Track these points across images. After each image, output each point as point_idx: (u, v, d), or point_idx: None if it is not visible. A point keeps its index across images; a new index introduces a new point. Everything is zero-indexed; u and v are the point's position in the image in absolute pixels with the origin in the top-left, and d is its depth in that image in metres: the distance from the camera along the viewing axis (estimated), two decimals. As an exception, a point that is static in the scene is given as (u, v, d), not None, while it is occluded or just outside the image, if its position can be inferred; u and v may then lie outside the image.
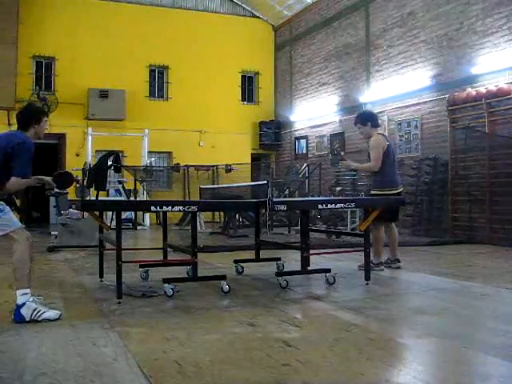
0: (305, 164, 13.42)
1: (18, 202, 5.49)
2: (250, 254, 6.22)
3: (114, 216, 6.37)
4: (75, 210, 8.79)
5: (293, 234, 10.44)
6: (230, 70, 16.65)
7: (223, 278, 4.75)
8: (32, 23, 14.32)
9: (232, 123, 16.35)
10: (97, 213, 5.19)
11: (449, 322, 3.75)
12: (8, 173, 3.72)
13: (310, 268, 5.27)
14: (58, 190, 10.03)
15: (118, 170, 5.75)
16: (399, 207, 6.29)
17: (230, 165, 15.04)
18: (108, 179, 6.22)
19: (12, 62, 13.75)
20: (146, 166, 14.19)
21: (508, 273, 5.91)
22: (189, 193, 14.67)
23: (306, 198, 9.49)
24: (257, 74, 17.46)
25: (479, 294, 4.71)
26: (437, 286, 5.19)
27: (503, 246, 8.26)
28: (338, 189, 11.99)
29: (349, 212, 10.54)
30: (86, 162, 12.54)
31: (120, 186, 12.60)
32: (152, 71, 16.17)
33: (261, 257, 5.86)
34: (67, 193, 10.27)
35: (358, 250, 5.41)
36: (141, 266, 5.37)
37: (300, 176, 13.25)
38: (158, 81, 16.33)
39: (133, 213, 12.63)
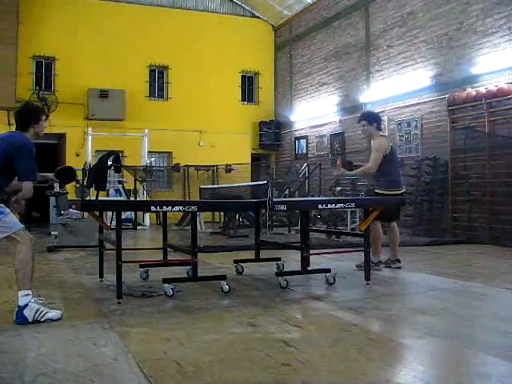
0: (305, 164, 13.43)
1: (15, 197, 5.49)
2: (250, 254, 6.22)
3: (113, 216, 6.38)
4: (75, 210, 8.79)
5: (293, 234, 10.44)
6: (230, 70, 16.64)
7: (223, 277, 4.75)
8: (32, 23, 14.32)
9: (232, 123, 16.35)
10: (97, 213, 5.20)
11: (449, 322, 3.75)
12: (10, 175, 3.71)
13: (310, 268, 5.26)
14: (58, 190, 10.05)
15: (117, 170, 5.74)
16: (400, 207, 6.29)
17: (230, 165, 15.04)
18: (108, 179, 6.21)
19: (12, 62, 13.74)
20: (146, 166, 14.19)
21: (508, 273, 5.92)
22: (189, 193, 14.68)
23: (306, 198, 9.49)
24: (257, 74, 17.45)
25: (479, 293, 4.71)
26: (437, 285, 5.19)
27: (503, 246, 8.27)
28: (338, 189, 11.98)
29: (349, 212, 10.53)
30: (85, 162, 12.54)
31: (120, 185, 12.60)
32: (152, 71, 16.17)
33: (261, 257, 5.86)
34: (67, 193, 10.27)
35: (358, 250, 5.41)
36: (141, 266, 5.37)
37: (300, 176, 13.26)
38: (158, 81, 16.32)
39: (133, 213, 12.63)
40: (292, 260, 6.25)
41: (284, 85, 16.98)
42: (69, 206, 9.27)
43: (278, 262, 5.86)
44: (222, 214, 12.71)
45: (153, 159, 15.97)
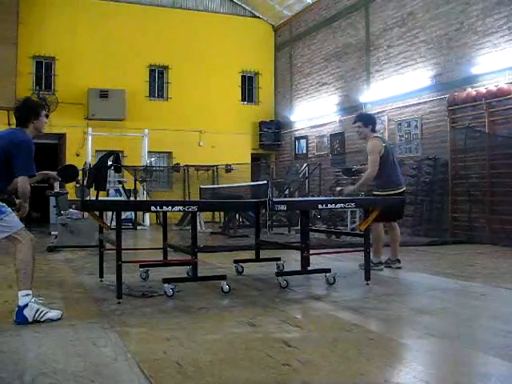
0: (305, 164, 13.43)
1: (17, 202, 5.48)
2: (250, 254, 6.22)
3: (114, 216, 6.38)
4: (75, 210, 8.79)
5: (293, 234, 10.44)
6: (230, 70, 16.65)
7: (223, 277, 4.75)
8: (32, 23, 14.32)
9: (232, 123, 16.35)
10: (97, 213, 5.20)
11: (449, 322, 3.75)
12: (11, 174, 3.70)
13: (310, 268, 5.27)
14: (58, 190, 10.05)
15: (118, 170, 5.75)
16: (403, 205, 6.28)
17: (230, 165, 15.05)
18: (108, 179, 6.21)
19: (12, 62, 13.75)
20: (146, 166, 14.20)
21: (508, 273, 5.92)
22: (189, 193, 14.68)
23: (306, 198, 9.49)
24: (257, 74, 17.46)
25: (479, 293, 4.71)
26: (437, 286, 5.19)
27: (503, 246, 8.27)
28: (338, 189, 11.95)
29: (349, 212, 10.54)
30: (85, 162, 12.53)
31: (120, 185, 12.61)
32: (152, 71, 16.17)
33: (261, 257, 5.86)
34: (67, 193, 10.27)
35: (358, 250, 5.41)
36: (141, 266, 5.37)
37: (300, 176, 13.25)
38: (157, 81, 16.33)
39: (133, 213, 12.63)
40: (292, 260, 6.25)
41: (284, 85, 16.98)
42: (69, 206, 9.27)
43: (278, 262, 5.86)
44: (222, 213, 12.71)
45: (153, 159, 15.98)
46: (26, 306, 3.61)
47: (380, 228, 6.01)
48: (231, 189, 12.11)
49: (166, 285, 4.53)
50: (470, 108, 9.52)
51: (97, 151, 13.62)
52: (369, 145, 6.00)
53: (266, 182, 10.39)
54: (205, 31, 16.11)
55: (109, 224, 6.93)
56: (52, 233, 9.75)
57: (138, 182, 13.37)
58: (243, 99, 17.27)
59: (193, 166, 15.05)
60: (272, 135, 16.96)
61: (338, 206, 5.36)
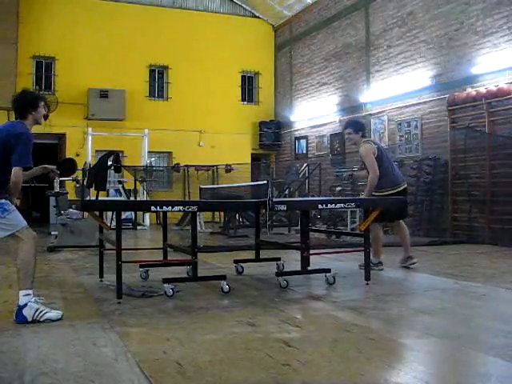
0: (305, 164, 13.43)
1: (17, 201, 5.48)
2: (250, 254, 6.21)
3: (113, 216, 6.37)
4: (75, 210, 8.79)
5: (293, 234, 10.43)
6: (230, 70, 16.65)
7: (223, 277, 4.75)
8: (32, 23, 14.32)
9: (232, 123, 16.35)
10: (97, 213, 5.20)
11: (449, 322, 3.75)
12: (10, 169, 3.69)
13: (310, 268, 5.26)
14: (58, 190, 10.05)
15: (118, 170, 5.75)
16: (406, 204, 6.27)
17: (229, 165, 15.05)
18: (108, 179, 6.21)
19: (12, 62, 13.74)
20: (146, 166, 14.19)
21: (508, 273, 5.92)
22: (189, 193, 14.68)
23: (306, 198, 9.49)
24: (257, 74, 17.46)
25: (479, 293, 4.71)
26: (437, 286, 5.19)
27: (503, 246, 8.26)
28: (338, 189, 11.96)
29: (349, 212, 10.53)
30: (86, 162, 12.54)
31: (120, 185, 12.60)
32: (152, 71, 16.17)
33: (261, 257, 5.86)
34: (67, 193, 10.28)
35: (358, 250, 5.41)
36: (141, 266, 5.37)
37: (300, 176, 13.26)
38: (157, 81, 16.33)
39: (133, 213, 12.63)
40: (292, 260, 6.25)
41: (284, 85, 16.98)
42: (69, 206, 9.27)
43: (278, 262, 5.86)
44: (222, 213, 12.71)
45: (153, 159, 15.98)
46: (26, 305, 3.61)
47: (378, 228, 6.03)
48: (231, 189, 12.11)
49: (165, 285, 4.53)
50: (470, 108, 9.52)
51: (97, 151, 13.62)
52: (362, 150, 6.02)
53: (265, 182, 10.39)
54: (205, 31, 16.11)
55: (109, 224, 6.92)
56: (52, 233, 9.75)
57: (138, 182, 13.37)
58: (243, 99, 17.27)
59: (193, 166, 15.05)
60: (272, 135, 16.95)
61: (338, 206, 5.36)
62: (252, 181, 13.53)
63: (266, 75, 17.45)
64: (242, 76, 17.23)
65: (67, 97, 14.41)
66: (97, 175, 5.13)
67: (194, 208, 4.73)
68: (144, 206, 6.27)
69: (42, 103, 3.95)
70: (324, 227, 10.77)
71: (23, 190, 7.44)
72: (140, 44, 15.36)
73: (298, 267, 5.15)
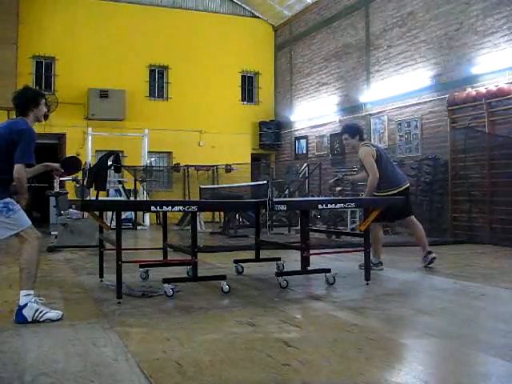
0: (305, 164, 13.43)
1: (24, 201, 5.49)
2: (250, 254, 6.21)
3: (113, 216, 6.37)
4: (75, 210, 8.79)
5: (293, 234, 10.43)
6: (230, 70, 16.65)
7: (223, 277, 4.75)
8: (32, 23, 14.32)
9: (232, 123, 16.35)
10: (97, 213, 5.20)
11: (449, 322, 3.75)
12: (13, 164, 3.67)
13: (309, 268, 5.26)
14: (58, 190, 10.05)
15: (118, 170, 5.75)
16: (409, 202, 6.26)
17: (230, 165, 15.04)
18: (108, 179, 6.21)
19: (12, 62, 13.74)
20: (146, 166, 14.19)
21: (508, 273, 5.91)
22: (189, 193, 14.68)
23: (306, 198, 9.49)
24: (257, 74, 17.46)
25: (479, 293, 4.71)
26: (437, 286, 5.20)
27: (503, 246, 8.26)
28: (338, 189, 11.95)
29: (349, 212, 10.54)
30: (86, 162, 12.53)
31: (120, 185, 12.60)
32: (152, 71, 16.17)
33: (261, 257, 5.86)
34: (67, 193, 10.28)
35: (358, 250, 5.41)
36: (141, 266, 5.37)
37: (300, 176, 13.25)
38: (157, 81, 16.33)
39: (133, 213, 12.63)
40: (292, 260, 6.25)
41: (284, 85, 16.98)
42: (69, 206, 9.27)
43: (278, 262, 5.86)
44: (222, 213, 12.71)
45: (153, 159, 15.98)
46: (26, 305, 3.61)
47: (378, 228, 6.03)
48: (231, 189, 12.11)
49: (165, 285, 4.53)
50: (470, 108, 9.52)
51: (97, 151, 13.62)
52: (360, 152, 6.03)
53: (265, 182, 10.40)
54: (205, 31, 16.12)
55: (109, 224, 6.92)
56: (52, 233, 9.75)
57: (138, 182, 13.37)
58: (243, 99, 17.27)
59: (193, 166, 15.05)
60: (272, 135, 16.95)
61: (338, 206, 5.36)
62: (252, 181, 13.53)
63: (266, 75, 17.44)
64: (242, 76, 17.23)
65: (67, 97, 14.41)
66: (97, 175, 5.13)
67: (194, 208, 4.74)
68: (144, 206, 6.27)
69: (43, 100, 3.95)
70: (324, 227, 10.77)
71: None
72: (140, 44, 15.36)
73: (298, 267, 5.15)
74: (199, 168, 15.15)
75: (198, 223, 6.18)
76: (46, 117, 4.05)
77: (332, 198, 7.43)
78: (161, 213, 6.41)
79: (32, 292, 3.68)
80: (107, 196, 11.71)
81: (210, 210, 12.41)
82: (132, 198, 12.47)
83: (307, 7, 15.58)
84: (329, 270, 5.07)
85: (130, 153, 14.38)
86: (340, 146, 13.85)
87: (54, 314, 3.70)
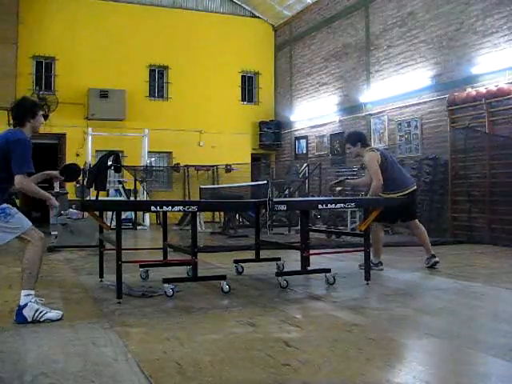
0: (305, 164, 13.42)
1: (17, 202, 5.49)
2: (250, 254, 6.21)
3: (113, 216, 6.38)
4: (75, 210, 8.79)
5: (293, 234, 10.43)
6: (230, 70, 16.64)
7: (223, 277, 4.75)
8: (32, 23, 14.31)
9: (232, 123, 16.35)
10: (97, 213, 5.20)
11: (449, 322, 3.75)
12: (11, 175, 3.69)
13: (310, 268, 5.26)
14: (58, 190, 10.05)
15: (118, 170, 5.75)
16: (413, 205, 6.26)
17: (230, 165, 15.04)
18: (108, 179, 6.22)
19: (12, 62, 13.75)
20: (146, 166, 14.19)
21: (508, 273, 5.91)
22: (189, 193, 14.68)
23: (306, 198, 9.49)
24: (257, 73, 17.45)
25: (479, 293, 4.71)
26: (437, 286, 5.20)
27: (503, 246, 8.26)
28: (338, 189, 11.95)
29: (349, 212, 10.54)
30: (86, 162, 12.54)
31: (120, 185, 12.61)
32: (152, 71, 16.17)
33: (261, 257, 5.86)
34: (67, 193, 10.28)
35: (358, 250, 5.41)
36: (141, 266, 5.37)
37: (300, 176, 13.25)
38: (158, 81, 16.33)
39: (133, 213, 12.63)
40: (292, 260, 6.25)
41: (284, 85, 16.98)
42: (69, 206, 9.27)
43: (278, 262, 5.86)
44: (222, 213, 12.71)
45: (153, 159, 15.98)
46: (26, 305, 3.62)
47: (379, 229, 6.03)
48: (231, 189, 12.11)
49: (165, 285, 4.53)
50: (470, 108, 9.52)
51: (97, 151, 13.62)
52: (365, 158, 6.02)
53: (265, 182, 10.40)
54: (205, 31, 16.11)
55: (109, 224, 6.92)
56: (52, 233, 9.74)
57: (138, 182, 13.37)
58: (243, 99, 17.27)
59: (193, 165, 15.04)
60: (272, 135, 16.95)
61: (338, 206, 5.36)
62: (252, 181, 13.53)
63: (266, 75, 17.44)
64: (241, 76, 17.23)
65: (67, 97, 14.41)
66: (97, 175, 5.14)
67: (194, 208, 4.73)
68: (144, 206, 6.28)
69: (41, 112, 3.96)
70: (324, 227, 10.77)
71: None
72: (140, 44, 15.36)
73: (298, 267, 5.15)
74: (199, 168, 15.14)
75: (197, 223, 6.18)
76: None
77: (332, 198, 7.44)
78: (161, 213, 6.41)
79: (33, 292, 3.69)
80: (107, 196, 11.72)
81: (210, 210, 12.40)
82: (132, 198, 12.46)
83: (307, 7, 15.58)
84: (329, 270, 5.07)
85: (130, 153, 14.39)
86: (340, 145, 13.86)
87: (53, 314, 3.70)
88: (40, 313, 3.63)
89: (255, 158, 17.07)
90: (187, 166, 14.99)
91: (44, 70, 15.00)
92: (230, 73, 16.72)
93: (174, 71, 16.12)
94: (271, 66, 17.53)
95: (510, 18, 9.11)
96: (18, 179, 3.63)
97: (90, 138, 13.62)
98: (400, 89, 11.64)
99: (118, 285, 4.38)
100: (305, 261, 5.06)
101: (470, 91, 9.52)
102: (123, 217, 9.94)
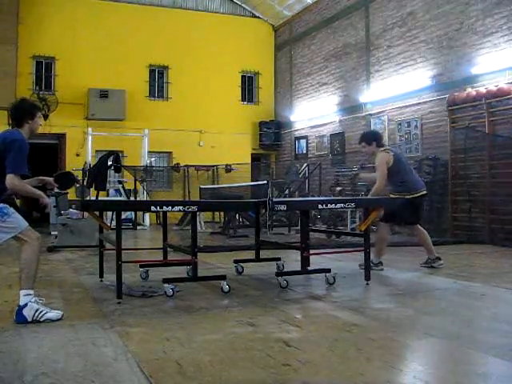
0: (305, 164, 13.43)
1: (18, 202, 5.49)
2: (250, 254, 6.21)
3: (113, 216, 6.37)
4: (75, 210, 8.79)
5: (293, 234, 10.43)
6: (230, 70, 16.64)
7: (223, 277, 4.75)
8: (32, 23, 14.31)
9: (232, 123, 16.35)
10: (97, 213, 5.20)
11: (449, 322, 3.75)
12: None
13: (310, 268, 5.26)
14: (58, 190, 10.04)
15: (118, 170, 5.77)
16: (420, 209, 6.25)
17: (230, 165, 15.04)
18: (108, 179, 6.23)
19: (12, 62, 13.75)
20: (146, 166, 14.19)
21: (508, 273, 5.92)
22: (189, 193, 14.67)
23: (306, 198, 9.49)
24: (257, 74, 17.45)
25: (479, 294, 4.71)
26: (437, 286, 5.20)
27: (503, 246, 8.26)
28: (338, 189, 11.98)
29: (349, 212, 10.53)
30: (85, 162, 12.54)
31: (120, 185, 12.60)
32: (152, 71, 16.17)
33: (261, 257, 5.86)
34: (67, 193, 10.27)
35: (358, 250, 5.41)
36: (141, 266, 5.37)
37: (300, 176, 13.25)
38: (157, 81, 16.33)
39: (133, 213, 12.63)
40: (292, 260, 6.25)
41: (284, 85, 16.98)
42: (69, 206, 9.27)
43: (278, 262, 5.86)
44: (222, 213, 12.71)
45: (153, 159, 15.97)
46: (26, 305, 3.62)
47: (385, 228, 6.03)
48: (231, 189, 12.11)
49: (165, 285, 4.53)
50: (470, 108, 9.52)
51: (97, 151, 13.61)
52: (377, 158, 6.02)
53: (265, 182, 10.40)
54: (205, 31, 16.11)
55: (109, 224, 6.92)
56: (52, 233, 9.75)
57: (138, 182, 13.36)
58: (243, 99, 17.27)
59: (193, 165, 15.04)
60: (272, 135, 16.95)
61: (338, 205, 5.37)
62: (252, 181, 13.51)
63: (266, 75, 17.44)
64: (242, 76, 17.23)
65: (67, 97, 14.41)
66: (97, 175, 5.14)
67: (194, 208, 4.74)
68: (144, 206, 6.27)
69: (39, 113, 3.97)
70: (324, 227, 10.77)
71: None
72: (140, 44, 15.36)
73: (298, 267, 5.15)
74: (199, 168, 15.13)
75: (197, 223, 6.18)
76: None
77: (332, 197, 7.44)
78: (161, 213, 6.41)
79: (32, 292, 3.68)
80: (107, 196, 11.72)
81: (210, 210, 12.39)
82: (132, 198, 12.46)
83: (307, 7, 15.58)
84: (329, 270, 5.07)
85: (130, 153, 14.39)
86: (340, 145, 13.87)
87: (53, 314, 3.70)
88: (40, 313, 3.63)
89: (255, 158, 17.07)
90: (187, 166, 14.98)
91: (44, 69, 15.00)
92: (230, 73, 16.72)
93: (174, 71, 16.11)
94: (271, 66, 17.53)
95: (510, 18, 9.11)
96: (10, 179, 3.61)
97: (89, 138, 13.61)
98: (400, 89, 11.64)
99: (118, 285, 4.38)
100: (305, 261, 5.06)
101: (470, 91, 9.52)
102: (123, 217, 9.94)
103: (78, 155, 14.35)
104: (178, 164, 15.22)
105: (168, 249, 5.76)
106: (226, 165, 15.07)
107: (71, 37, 14.72)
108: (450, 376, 2.70)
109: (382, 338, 3.34)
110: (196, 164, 15.02)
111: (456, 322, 3.77)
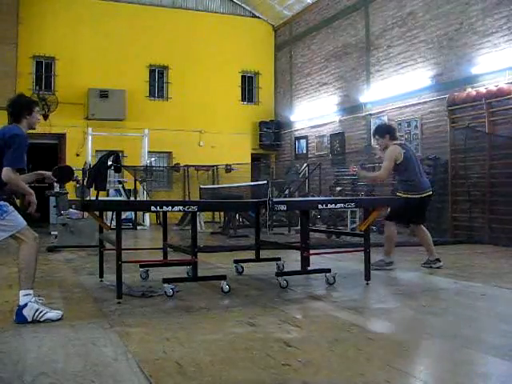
0: (305, 164, 13.43)
1: (18, 202, 5.48)
2: (250, 254, 6.21)
3: (113, 216, 6.37)
4: (75, 210, 8.79)
5: (293, 234, 10.43)
6: (230, 70, 16.65)
7: (223, 277, 4.75)
8: (32, 23, 14.32)
9: (232, 123, 16.34)
10: (97, 213, 5.20)
11: (449, 322, 3.75)
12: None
13: (310, 268, 5.26)
14: (58, 190, 10.05)
15: (118, 170, 5.75)
16: (424, 209, 6.24)
17: (230, 165, 15.04)
18: (108, 179, 6.21)
19: (12, 62, 13.75)
20: (146, 166, 14.19)
21: (508, 273, 5.91)
22: (189, 193, 14.68)
23: (306, 198, 9.49)
24: (257, 74, 17.45)
25: (479, 293, 4.71)
26: (437, 286, 5.20)
27: (503, 246, 8.26)
28: (338, 189, 11.99)
29: (349, 212, 10.54)
30: (86, 162, 12.54)
31: (120, 186, 12.60)
32: (152, 71, 16.17)
33: (261, 257, 5.86)
34: (67, 193, 10.27)
35: (358, 250, 5.41)
36: (141, 266, 5.37)
37: (300, 176, 13.25)
38: (158, 81, 16.33)
39: (133, 213, 12.63)
40: (292, 260, 6.25)
41: (284, 85, 16.98)
42: (69, 206, 9.27)
43: (278, 262, 5.86)
44: (222, 213, 12.71)
45: (153, 159, 15.97)
46: (26, 305, 3.61)
47: (393, 228, 6.01)
48: (231, 189, 12.11)
49: (165, 285, 4.53)
50: (469, 108, 9.52)
51: (97, 151, 13.60)
52: (388, 151, 6.01)
53: (265, 181, 10.40)
54: (205, 31, 16.11)
55: (109, 224, 6.92)
56: (52, 233, 9.75)
57: (138, 182, 13.37)
58: (243, 99, 17.27)
59: (193, 165, 15.04)
60: (272, 135, 16.95)
61: (338, 206, 5.36)
62: (252, 181, 13.52)
63: (266, 75, 17.44)
64: (241, 76, 17.23)
65: (67, 97, 14.41)
66: (97, 175, 5.13)
67: (194, 208, 4.73)
68: (144, 206, 6.27)
69: (37, 108, 3.97)
70: (324, 227, 10.77)
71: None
72: (140, 44, 15.36)
73: (298, 267, 5.15)
74: (199, 168, 15.14)
75: (198, 223, 6.18)
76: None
77: (332, 197, 7.45)
78: (161, 213, 6.41)
79: (31, 292, 3.68)
80: (107, 196, 11.72)
81: (210, 210, 12.40)
82: (132, 198, 12.46)
83: (307, 7, 15.58)
84: (329, 270, 5.07)
85: (130, 153, 14.39)
86: (340, 145, 13.86)
87: (53, 314, 3.70)
88: (40, 313, 3.63)
89: (255, 158, 17.07)
90: (187, 166, 14.99)
91: (44, 69, 15.00)
92: (230, 73, 16.72)
93: (174, 71, 16.12)
94: (271, 66, 17.53)
95: (510, 18, 9.11)
96: (6, 172, 3.60)
97: (89, 137, 13.61)
98: (400, 89, 11.64)
99: (118, 285, 4.38)
100: (305, 261, 5.06)
101: (470, 91, 9.52)
102: (123, 217, 9.95)
103: (78, 155, 14.35)
104: (178, 164, 15.22)
105: (168, 249, 5.76)
106: (226, 165, 15.08)
107: (71, 37, 14.73)
108: (450, 376, 2.70)
109: (381, 338, 3.34)
110: (196, 164, 15.03)
111: (456, 322, 3.78)
